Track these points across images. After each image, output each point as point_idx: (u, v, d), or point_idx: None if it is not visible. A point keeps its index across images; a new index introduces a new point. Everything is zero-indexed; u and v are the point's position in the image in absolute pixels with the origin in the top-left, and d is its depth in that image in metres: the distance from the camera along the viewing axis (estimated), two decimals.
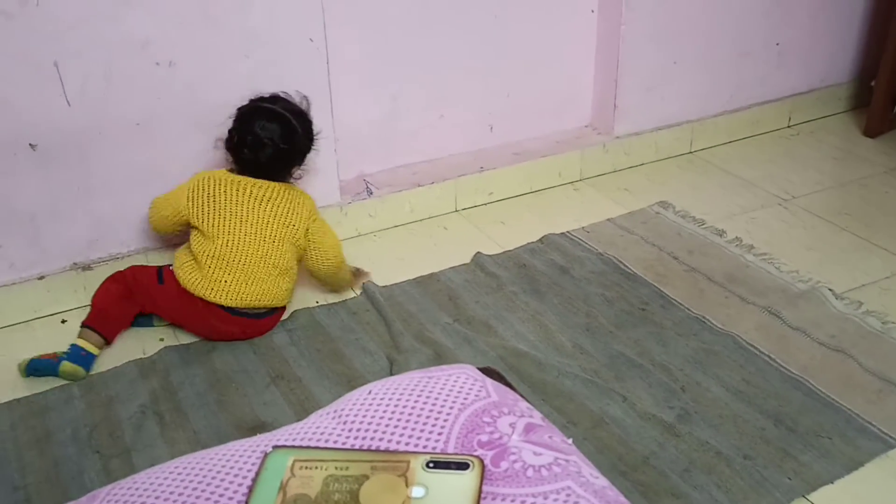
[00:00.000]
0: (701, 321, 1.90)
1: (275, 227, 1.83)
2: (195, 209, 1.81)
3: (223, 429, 1.60)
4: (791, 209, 2.40)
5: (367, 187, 2.31)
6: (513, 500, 0.70)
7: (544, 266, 2.12)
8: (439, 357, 1.77)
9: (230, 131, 1.85)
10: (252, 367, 1.77)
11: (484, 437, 0.77)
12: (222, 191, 1.82)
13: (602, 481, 0.74)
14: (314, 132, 1.91)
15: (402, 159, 2.43)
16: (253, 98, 1.88)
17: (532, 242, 2.23)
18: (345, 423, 0.80)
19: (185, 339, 1.86)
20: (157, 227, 1.94)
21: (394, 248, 2.24)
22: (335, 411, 0.83)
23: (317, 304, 1.98)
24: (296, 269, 1.90)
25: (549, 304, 1.97)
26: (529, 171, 2.48)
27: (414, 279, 2.07)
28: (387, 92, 2.32)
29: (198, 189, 1.82)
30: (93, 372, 1.76)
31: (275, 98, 1.88)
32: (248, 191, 1.83)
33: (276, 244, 1.82)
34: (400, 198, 2.32)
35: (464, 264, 2.14)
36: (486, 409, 0.80)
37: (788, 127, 2.91)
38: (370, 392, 0.84)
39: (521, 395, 0.88)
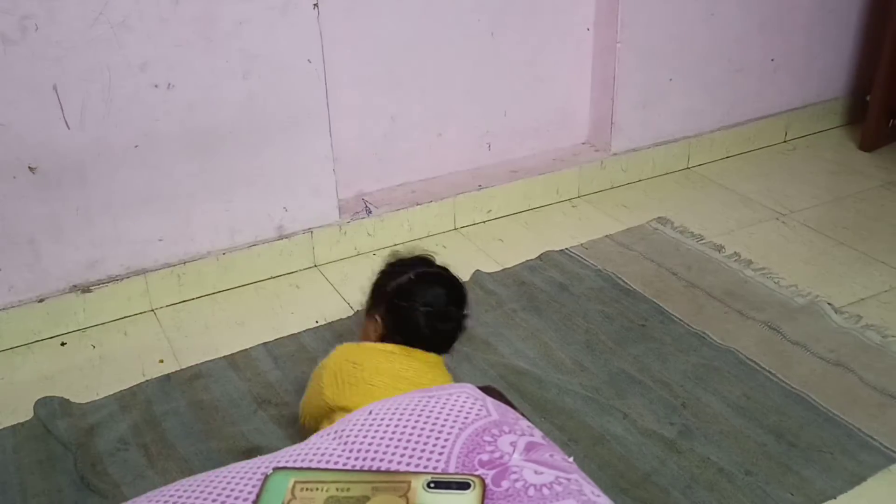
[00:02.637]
0: (701, 337, 1.90)
1: None
2: None
3: (215, 455, 1.58)
4: (789, 224, 2.40)
5: (366, 206, 2.32)
6: None
7: (543, 283, 2.12)
8: None
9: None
10: (236, 395, 1.75)
11: (485, 457, 0.77)
12: None
13: (603, 500, 0.74)
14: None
15: (400, 178, 2.44)
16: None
17: (531, 260, 2.23)
18: (346, 443, 0.80)
19: (168, 368, 1.85)
20: None
21: None
22: (336, 432, 0.83)
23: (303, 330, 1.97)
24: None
25: (549, 321, 1.97)
26: (527, 188, 2.49)
27: None
28: (385, 111, 2.33)
29: None
30: (73, 400, 1.73)
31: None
32: None
33: None
34: (399, 216, 2.33)
35: (463, 282, 2.13)
36: (487, 428, 0.80)
37: (785, 142, 2.93)
38: (371, 412, 0.84)
39: (522, 414, 0.88)
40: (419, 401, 0.84)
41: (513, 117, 2.54)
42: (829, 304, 1.99)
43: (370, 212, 2.30)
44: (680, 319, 1.96)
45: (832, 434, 1.60)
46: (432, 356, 1.52)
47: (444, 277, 1.61)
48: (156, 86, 1.90)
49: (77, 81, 1.82)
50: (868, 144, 2.82)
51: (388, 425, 0.81)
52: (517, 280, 2.14)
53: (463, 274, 2.16)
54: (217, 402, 1.73)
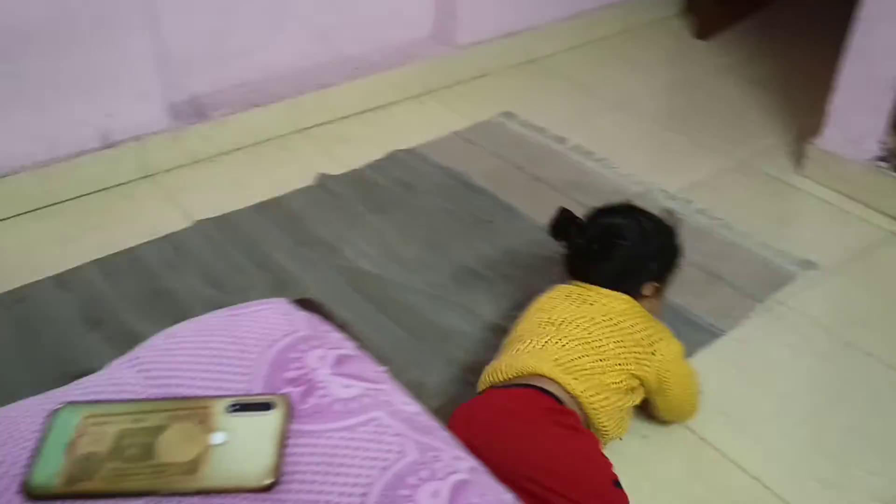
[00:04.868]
0: (545, 230, 1.93)
1: None
2: None
3: (46, 382, 1.48)
4: (628, 113, 2.45)
5: (200, 109, 2.19)
6: (318, 437, 0.69)
7: (389, 183, 2.09)
8: (282, 284, 1.73)
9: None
10: (66, 314, 1.65)
11: (291, 374, 0.75)
12: None
13: (413, 407, 0.74)
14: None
15: (236, 78, 2.31)
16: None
17: (377, 160, 2.19)
18: (143, 370, 0.76)
19: None
20: None
21: (233, 174, 2.15)
22: (134, 358, 0.78)
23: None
24: None
25: (394, 222, 1.95)
26: (371, 86, 2.42)
27: (255, 205, 2.00)
28: (214, 4, 2.18)
29: None
30: None
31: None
32: None
33: None
34: (237, 119, 2.21)
35: (307, 186, 2.08)
36: (295, 344, 0.78)
37: (625, 31, 2.96)
38: (172, 335, 0.80)
39: (341, 325, 0.87)
40: (223, 320, 0.81)
41: (354, 11, 2.43)
42: (662, 190, 2.06)
43: (205, 115, 2.17)
44: (525, 214, 1.99)
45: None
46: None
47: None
48: None
49: None
50: (702, 32, 2.89)
51: (189, 349, 0.77)
52: (363, 181, 2.10)
53: (307, 177, 2.10)
54: (45, 326, 1.63)
